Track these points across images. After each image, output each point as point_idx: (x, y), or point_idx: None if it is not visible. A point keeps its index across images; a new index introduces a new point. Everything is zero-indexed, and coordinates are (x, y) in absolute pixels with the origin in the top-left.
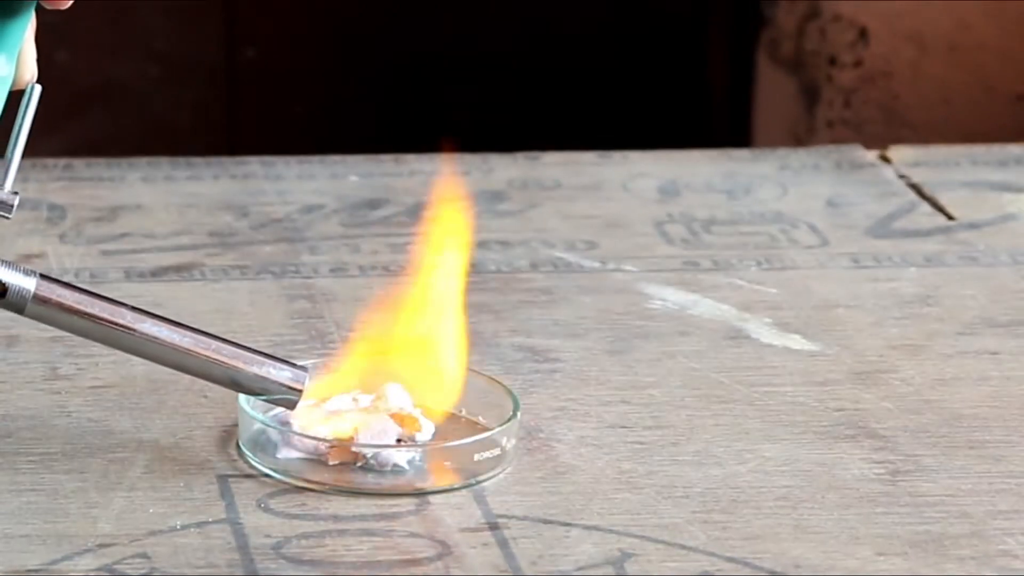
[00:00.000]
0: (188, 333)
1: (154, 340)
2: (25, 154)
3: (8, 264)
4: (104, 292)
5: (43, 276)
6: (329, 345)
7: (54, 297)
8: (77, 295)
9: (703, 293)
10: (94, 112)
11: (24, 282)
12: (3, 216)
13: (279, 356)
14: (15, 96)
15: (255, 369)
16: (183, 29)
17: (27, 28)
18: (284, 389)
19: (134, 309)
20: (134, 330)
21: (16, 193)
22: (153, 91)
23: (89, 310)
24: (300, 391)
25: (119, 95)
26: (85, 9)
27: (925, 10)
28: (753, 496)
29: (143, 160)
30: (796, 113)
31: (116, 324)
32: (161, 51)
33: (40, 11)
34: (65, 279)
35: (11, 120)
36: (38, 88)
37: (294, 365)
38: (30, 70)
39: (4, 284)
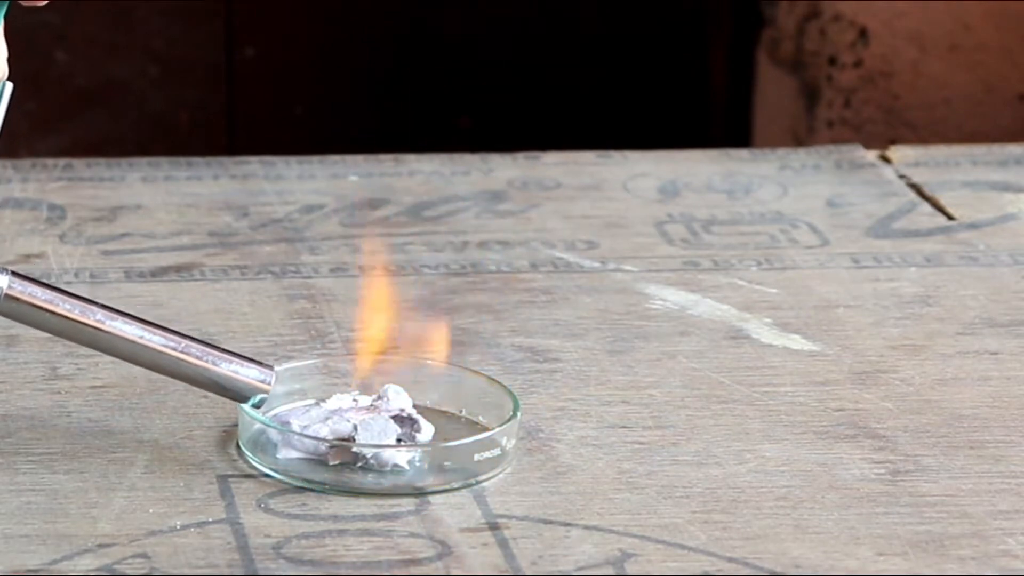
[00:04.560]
0: (158, 332)
1: (124, 339)
2: (25, 154)
3: None
4: (104, 292)
5: (15, 274)
6: (329, 345)
7: (25, 295)
8: (49, 293)
9: (703, 293)
10: (94, 112)
11: None
12: None
13: (247, 355)
14: None
15: (222, 368)
16: (183, 29)
17: None
18: (252, 387)
19: (105, 308)
20: (104, 329)
21: None
22: (153, 91)
23: (60, 309)
24: (267, 391)
25: (119, 95)
26: (85, 9)
27: (925, 10)
28: (753, 496)
29: (143, 160)
30: (796, 113)
31: (87, 323)
32: (161, 51)
33: (36, 10)
34: (65, 279)
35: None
36: (9, 85)
37: (262, 364)
38: (2, 68)
39: None
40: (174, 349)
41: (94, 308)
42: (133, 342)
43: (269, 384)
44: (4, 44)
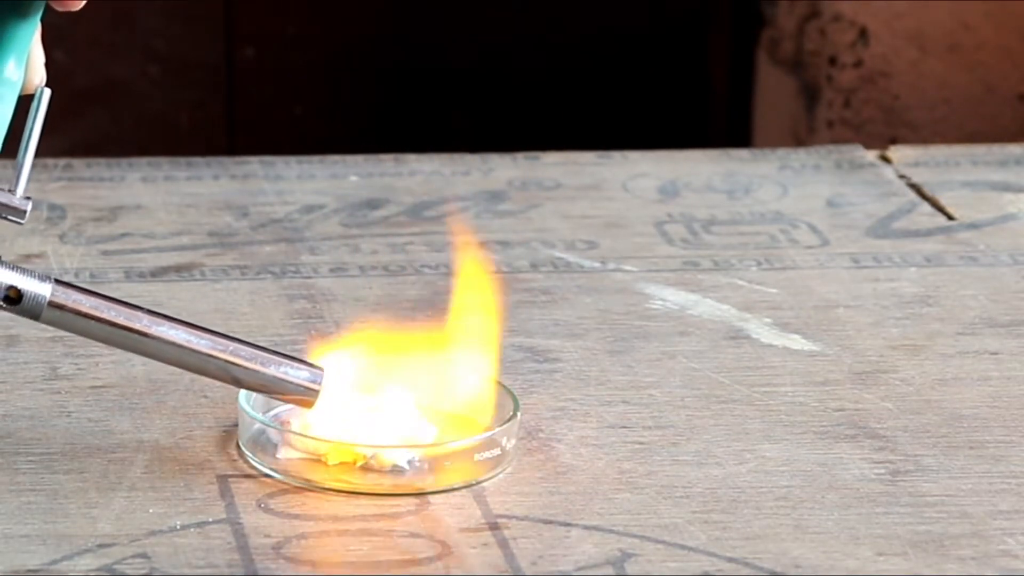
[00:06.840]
0: (205, 336)
1: (171, 344)
2: None
3: (23, 270)
4: (104, 292)
5: (58, 281)
6: None
7: (69, 303)
8: (93, 300)
9: (703, 293)
10: (94, 112)
11: (39, 288)
12: (16, 221)
13: (295, 356)
14: (24, 101)
15: (273, 370)
16: (183, 29)
17: (35, 32)
18: (302, 389)
19: (150, 312)
20: (151, 334)
21: (29, 198)
22: (153, 91)
23: (105, 315)
24: (318, 391)
25: (119, 95)
26: (85, 9)
27: (925, 10)
28: (753, 496)
29: (143, 160)
30: (796, 113)
31: (133, 329)
32: (161, 51)
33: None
34: (65, 280)
35: (20, 125)
36: (47, 92)
37: (311, 365)
38: (39, 74)
39: (19, 290)
40: (222, 352)
41: (139, 313)
42: (180, 346)
43: (320, 385)
44: (41, 49)
